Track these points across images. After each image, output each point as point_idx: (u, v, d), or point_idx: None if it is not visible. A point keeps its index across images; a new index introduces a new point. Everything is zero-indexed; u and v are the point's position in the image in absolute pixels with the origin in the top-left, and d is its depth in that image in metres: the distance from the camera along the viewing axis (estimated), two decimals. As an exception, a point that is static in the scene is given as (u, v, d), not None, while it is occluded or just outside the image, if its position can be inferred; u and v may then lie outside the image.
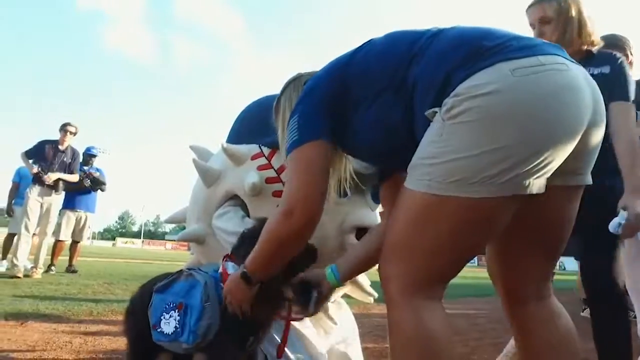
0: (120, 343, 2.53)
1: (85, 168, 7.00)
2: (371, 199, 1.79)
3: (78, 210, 6.88)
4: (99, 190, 7.09)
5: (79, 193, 6.85)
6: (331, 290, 1.42)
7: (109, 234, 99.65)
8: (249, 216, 1.75)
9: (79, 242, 7.06)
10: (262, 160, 1.73)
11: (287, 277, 1.40)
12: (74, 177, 6.29)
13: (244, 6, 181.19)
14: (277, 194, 1.66)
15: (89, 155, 7.23)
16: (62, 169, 6.08)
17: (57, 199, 6.16)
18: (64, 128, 6.14)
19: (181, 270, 1.58)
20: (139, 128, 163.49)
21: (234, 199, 1.80)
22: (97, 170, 7.22)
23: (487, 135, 0.90)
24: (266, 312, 1.46)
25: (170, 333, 1.41)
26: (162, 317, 1.44)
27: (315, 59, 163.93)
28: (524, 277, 1.16)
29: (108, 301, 4.17)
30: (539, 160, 0.90)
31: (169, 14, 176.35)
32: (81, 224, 6.91)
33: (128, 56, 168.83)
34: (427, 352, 0.93)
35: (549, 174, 0.94)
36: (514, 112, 0.89)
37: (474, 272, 14.04)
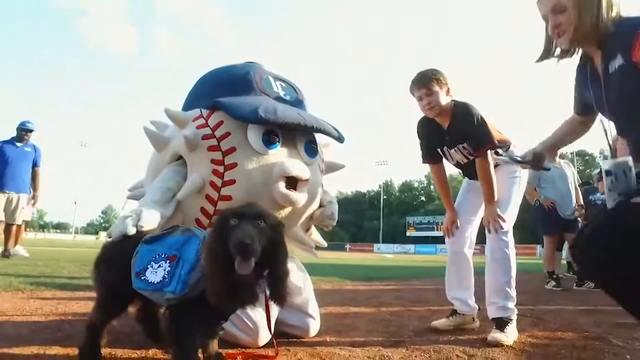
0: (91, 308, 2.60)
1: (20, 144, 6.50)
2: (305, 152, 1.93)
3: (7, 191, 6.33)
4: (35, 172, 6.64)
5: (9, 173, 6.32)
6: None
7: (92, 229, 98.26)
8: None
9: (13, 224, 6.44)
10: (201, 121, 1.90)
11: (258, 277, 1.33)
12: None
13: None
14: (211, 148, 1.84)
15: (22, 130, 6.57)
16: None
17: None
18: None
19: (177, 226, 1.63)
20: (122, 122, 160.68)
21: (180, 160, 1.96)
22: (34, 147, 6.64)
23: None
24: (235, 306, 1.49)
25: (156, 282, 1.41)
26: (149, 266, 1.45)
27: (301, 51, 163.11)
28: None
29: (82, 278, 4.25)
30: None
31: (150, 9, 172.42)
32: (12, 206, 6.36)
33: (111, 51, 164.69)
34: None
35: None
36: None
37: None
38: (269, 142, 1.83)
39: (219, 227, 1.30)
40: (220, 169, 1.81)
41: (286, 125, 1.80)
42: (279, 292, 1.35)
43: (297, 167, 1.83)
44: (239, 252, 1.21)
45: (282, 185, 1.79)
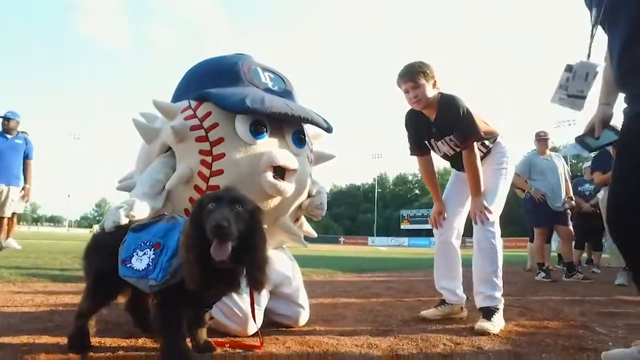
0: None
1: (10, 137, 6.31)
2: (293, 142, 1.95)
3: None
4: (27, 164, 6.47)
5: None
6: None
7: (85, 222, 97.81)
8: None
9: (3, 217, 6.31)
10: (189, 112, 1.91)
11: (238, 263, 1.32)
12: None
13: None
14: (200, 139, 1.84)
15: (2, 118, 6.36)
16: None
17: None
18: None
19: (163, 214, 1.64)
20: (116, 114, 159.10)
21: (168, 151, 1.96)
22: (25, 140, 6.49)
23: None
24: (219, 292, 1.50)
25: (141, 269, 1.43)
26: (134, 254, 1.46)
27: (296, 47, 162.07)
28: None
29: (74, 269, 4.23)
30: None
31: (145, 1, 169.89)
32: (2, 198, 6.21)
33: (105, 45, 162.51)
34: None
35: None
36: None
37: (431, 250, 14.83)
38: (256, 132, 1.85)
39: (196, 213, 1.30)
40: (209, 159, 1.82)
41: (273, 115, 1.81)
42: (257, 279, 1.35)
43: (285, 156, 1.84)
44: (215, 234, 1.21)
45: (269, 175, 1.80)
